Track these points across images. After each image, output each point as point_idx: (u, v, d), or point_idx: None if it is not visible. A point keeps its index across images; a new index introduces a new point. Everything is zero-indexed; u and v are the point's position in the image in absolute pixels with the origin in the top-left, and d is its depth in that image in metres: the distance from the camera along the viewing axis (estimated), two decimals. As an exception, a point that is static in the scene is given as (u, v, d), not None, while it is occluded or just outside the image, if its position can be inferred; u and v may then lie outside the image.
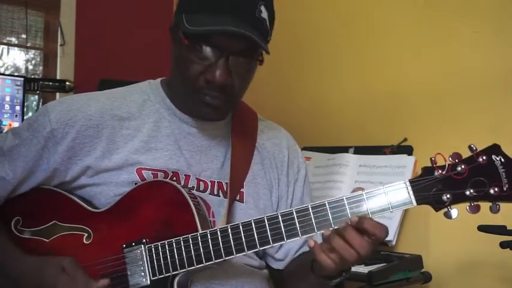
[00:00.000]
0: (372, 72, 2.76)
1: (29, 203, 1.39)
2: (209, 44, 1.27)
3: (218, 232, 1.23)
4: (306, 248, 1.49)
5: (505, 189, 1.12)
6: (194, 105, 1.35)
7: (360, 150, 2.55)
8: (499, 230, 1.76)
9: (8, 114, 2.89)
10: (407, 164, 2.34)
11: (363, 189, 1.19)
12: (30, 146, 1.34)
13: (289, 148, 1.55)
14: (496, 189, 1.13)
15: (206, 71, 1.29)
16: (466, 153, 1.16)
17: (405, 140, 2.48)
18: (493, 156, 1.14)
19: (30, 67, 3.38)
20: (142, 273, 1.26)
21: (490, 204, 1.14)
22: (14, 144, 1.36)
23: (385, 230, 1.16)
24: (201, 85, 1.31)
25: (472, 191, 1.13)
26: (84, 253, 1.30)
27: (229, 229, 1.22)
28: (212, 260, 1.23)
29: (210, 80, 1.29)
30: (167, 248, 1.25)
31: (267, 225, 1.21)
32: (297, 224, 1.19)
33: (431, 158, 1.15)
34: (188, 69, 1.30)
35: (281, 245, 1.48)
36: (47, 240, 1.35)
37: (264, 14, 1.30)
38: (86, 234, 1.32)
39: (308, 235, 1.19)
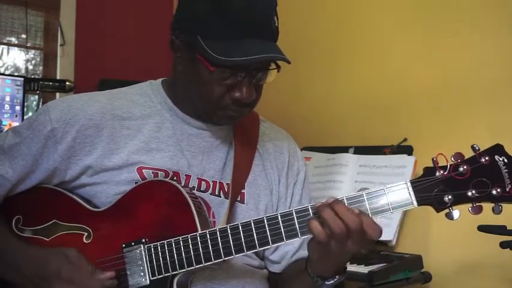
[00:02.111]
0: (372, 73, 2.76)
1: (30, 202, 1.39)
2: (237, 68, 1.27)
3: (217, 232, 1.23)
4: (303, 253, 1.48)
5: (507, 190, 1.12)
6: (217, 118, 1.37)
7: (360, 150, 2.55)
8: (499, 230, 1.76)
9: (8, 114, 2.89)
10: (407, 164, 2.34)
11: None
12: (30, 145, 1.34)
13: (290, 150, 1.55)
14: (498, 190, 1.12)
15: (232, 90, 1.30)
16: (466, 153, 1.16)
17: (405, 140, 2.48)
18: (496, 157, 1.14)
19: (30, 67, 3.38)
20: (142, 273, 1.26)
21: (493, 205, 1.13)
22: (14, 142, 1.36)
23: (379, 231, 1.15)
24: (227, 103, 1.32)
25: (474, 191, 1.13)
26: (84, 252, 1.30)
27: (229, 229, 1.22)
28: (211, 261, 1.22)
29: (237, 98, 1.30)
30: (166, 248, 1.25)
31: (266, 225, 1.20)
32: (297, 224, 1.19)
33: (433, 158, 1.15)
34: (212, 91, 1.30)
35: (277, 247, 1.47)
36: (47, 239, 1.35)
37: (276, 22, 1.32)
38: (86, 234, 1.32)
39: (307, 236, 1.19)
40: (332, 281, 1.25)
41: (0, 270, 1.33)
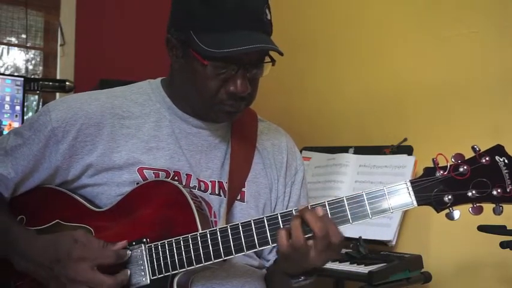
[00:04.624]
0: (372, 73, 2.76)
1: (33, 202, 1.40)
2: (229, 60, 1.28)
3: (218, 232, 1.23)
4: None
5: (508, 190, 1.12)
6: (215, 114, 1.37)
7: (360, 150, 2.56)
8: (499, 230, 1.76)
9: (8, 114, 2.88)
10: (407, 164, 2.34)
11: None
12: (31, 145, 1.35)
13: (288, 150, 1.55)
14: (499, 190, 1.12)
15: (226, 84, 1.30)
16: (467, 153, 1.16)
17: (405, 140, 2.48)
18: (497, 157, 1.14)
19: (30, 67, 3.38)
20: (142, 273, 1.26)
21: (493, 205, 1.13)
22: (16, 144, 1.37)
23: (341, 237, 1.18)
24: (222, 98, 1.32)
25: (474, 192, 1.13)
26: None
27: (229, 229, 1.22)
28: (211, 260, 1.23)
29: (232, 92, 1.30)
30: (167, 247, 1.25)
31: (266, 225, 1.21)
32: (297, 224, 1.19)
33: (433, 159, 1.15)
34: (207, 86, 1.31)
35: (274, 248, 1.47)
36: None
37: (268, 15, 1.32)
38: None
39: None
40: (296, 280, 1.26)
41: (14, 260, 1.32)
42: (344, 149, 2.60)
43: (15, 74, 3.27)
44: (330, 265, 2.12)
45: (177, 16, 1.34)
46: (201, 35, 1.27)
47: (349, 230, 1.23)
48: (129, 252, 1.26)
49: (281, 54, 1.28)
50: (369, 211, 1.18)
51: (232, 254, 1.22)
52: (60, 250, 1.25)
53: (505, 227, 1.76)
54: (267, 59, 1.34)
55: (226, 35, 1.26)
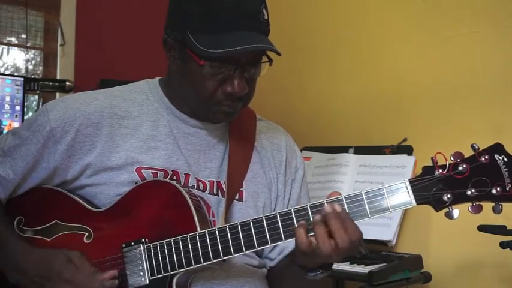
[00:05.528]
0: (372, 73, 2.76)
1: (31, 202, 1.40)
2: (226, 61, 1.28)
3: (216, 232, 1.23)
4: None
5: (507, 189, 1.12)
6: (213, 114, 1.37)
7: (360, 150, 2.56)
8: (499, 230, 1.77)
9: (8, 114, 2.88)
10: (407, 164, 2.34)
11: (339, 193, 1.20)
12: (30, 146, 1.35)
13: (288, 148, 1.55)
14: (498, 189, 1.12)
15: (223, 84, 1.30)
16: (466, 153, 1.16)
17: (405, 140, 2.49)
18: (496, 156, 1.13)
19: (30, 67, 3.38)
20: (141, 273, 1.26)
21: (493, 204, 1.13)
22: (14, 144, 1.37)
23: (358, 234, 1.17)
24: (220, 98, 1.32)
25: (473, 190, 1.13)
26: (84, 252, 1.30)
27: (228, 229, 1.22)
28: (210, 260, 1.23)
29: (229, 92, 1.30)
30: (166, 247, 1.25)
31: (265, 225, 1.20)
32: (296, 223, 1.19)
33: (432, 158, 1.15)
34: (205, 86, 1.31)
35: (274, 246, 1.47)
36: (48, 240, 1.36)
37: (266, 15, 1.32)
38: (87, 234, 1.33)
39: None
40: (314, 273, 1.25)
41: (7, 271, 1.35)
42: (344, 149, 2.60)
43: (15, 74, 3.27)
44: (329, 265, 2.13)
45: (174, 16, 1.34)
46: (198, 36, 1.27)
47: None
48: (116, 281, 1.26)
49: (278, 53, 1.28)
50: (368, 210, 1.17)
51: (231, 254, 1.22)
52: (52, 268, 1.27)
53: (505, 227, 1.77)
54: (265, 58, 1.33)
55: (223, 35, 1.25)
